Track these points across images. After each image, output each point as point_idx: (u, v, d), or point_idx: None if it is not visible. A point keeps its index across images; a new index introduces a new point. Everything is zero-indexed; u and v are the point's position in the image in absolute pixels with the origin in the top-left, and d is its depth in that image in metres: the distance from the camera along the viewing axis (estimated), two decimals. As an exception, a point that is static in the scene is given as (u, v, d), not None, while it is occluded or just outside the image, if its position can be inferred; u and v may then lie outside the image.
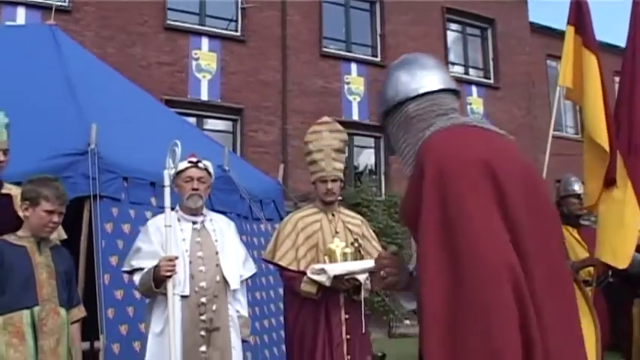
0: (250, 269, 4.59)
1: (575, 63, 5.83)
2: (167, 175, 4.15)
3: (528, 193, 2.15)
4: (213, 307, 4.02)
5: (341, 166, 4.90)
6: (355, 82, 17.57)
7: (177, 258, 3.97)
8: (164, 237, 4.04)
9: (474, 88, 19.60)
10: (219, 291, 4.10)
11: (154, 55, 15.00)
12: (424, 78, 2.45)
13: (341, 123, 16.12)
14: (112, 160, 5.90)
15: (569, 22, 5.91)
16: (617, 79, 20.95)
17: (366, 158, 17.96)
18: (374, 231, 5.04)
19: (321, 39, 17.27)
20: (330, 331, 4.48)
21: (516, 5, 20.81)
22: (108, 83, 7.38)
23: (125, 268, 4.33)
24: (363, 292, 4.62)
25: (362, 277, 4.53)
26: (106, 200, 5.77)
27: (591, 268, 5.84)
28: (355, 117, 17.49)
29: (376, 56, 18.22)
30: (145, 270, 4.08)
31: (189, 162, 4.39)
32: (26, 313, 3.61)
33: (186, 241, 4.16)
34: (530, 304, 1.94)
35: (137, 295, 5.60)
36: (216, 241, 4.28)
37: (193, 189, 4.31)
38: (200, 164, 4.39)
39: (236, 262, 4.30)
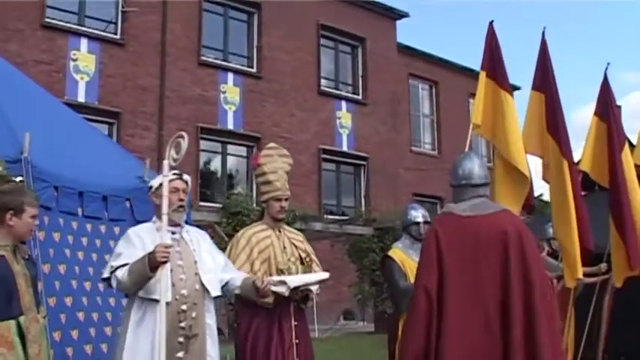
0: (233, 271, 4.63)
1: (485, 103, 6.50)
2: (167, 165, 4.15)
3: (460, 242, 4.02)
4: (193, 315, 4.09)
5: (288, 186, 5.33)
6: (231, 92, 17.82)
7: (171, 246, 4.01)
8: (144, 243, 4.14)
9: (343, 103, 20.33)
10: (198, 299, 4.15)
11: (30, 53, 14.61)
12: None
13: (216, 131, 16.44)
14: (44, 169, 5.92)
15: (482, 68, 6.58)
16: (471, 100, 22.40)
17: (239, 166, 18.22)
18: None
19: (199, 47, 17.43)
20: (282, 336, 4.92)
21: (386, 26, 21.78)
22: (21, 88, 7.29)
23: (105, 274, 4.23)
24: (313, 301, 5.10)
25: (314, 288, 5.04)
26: (40, 209, 5.78)
27: None
28: (230, 126, 17.74)
29: (252, 67, 18.58)
30: (133, 261, 4.04)
31: (175, 174, 4.34)
32: (13, 323, 3.70)
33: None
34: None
35: (68, 302, 5.72)
36: (193, 250, 4.30)
37: (180, 199, 4.30)
38: (184, 177, 4.41)
39: (214, 270, 4.36)
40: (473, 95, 25.68)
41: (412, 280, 6.06)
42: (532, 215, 7.14)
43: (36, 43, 14.74)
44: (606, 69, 7.49)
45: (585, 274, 7.26)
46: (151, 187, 4.38)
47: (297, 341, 5.09)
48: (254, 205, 16.17)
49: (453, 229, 4.07)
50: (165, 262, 3.89)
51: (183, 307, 4.05)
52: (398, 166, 21.68)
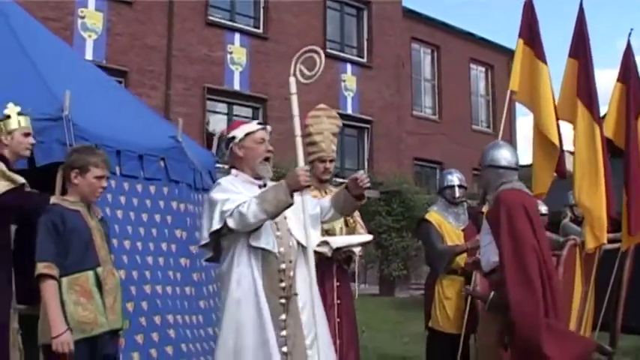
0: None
1: (522, 70, 6.58)
2: (293, 82, 3.95)
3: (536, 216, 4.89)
4: (291, 274, 3.86)
5: (335, 148, 5.36)
6: (238, 52, 17.76)
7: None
8: (241, 192, 3.80)
9: (348, 66, 20.31)
10: (293, 256, 3.91)
11: (37, 10, 14.41)
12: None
13: (222, 92, 16.40)
14: (84, 127, 5.94)
15: (520, 36, 6.66)
16: (472, 65, 22.35)
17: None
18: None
19: (207, 7, 17.31)
20: (325, 296, 4.87)
21: (392, -12, 21.70)
22: (57, 51, 7.29)
23: (215, 226, 3.76)
24: (356, 262, 5.14)
25: (357, 250, 5.08)
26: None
27: None
28: (236, 87, 17.71)
29: (258, 28, 18.50)
30: (261, 192, 3.78)
31: (259, 123, 4.14)
32: (91, 273, 3.79)
33: None
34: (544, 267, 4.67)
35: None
36: None
37: (267, 151, 4.02)
38: (267, 127, 4.15)
39: (306, 225, 3.98)
40: (474, 60, 26.06)
41: (449, 243, 6.16)
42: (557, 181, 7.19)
43: (44, 0, 14.58)
44: (629, 35, 7.52)
45: (608, 240, 7.38)
46: (233, 138, 4.01)
47: (339, 301, 5.16)
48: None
49: (530, 203, 5.00)
50: (308, 187, 3.79)
51: (282, 265, 3.85)
52: (401, 130, 21.72)
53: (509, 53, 26.87)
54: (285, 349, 3.75)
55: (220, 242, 3.92)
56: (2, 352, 4.13)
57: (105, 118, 6.42)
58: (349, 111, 20.00)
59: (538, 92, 6.51)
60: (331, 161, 5.27)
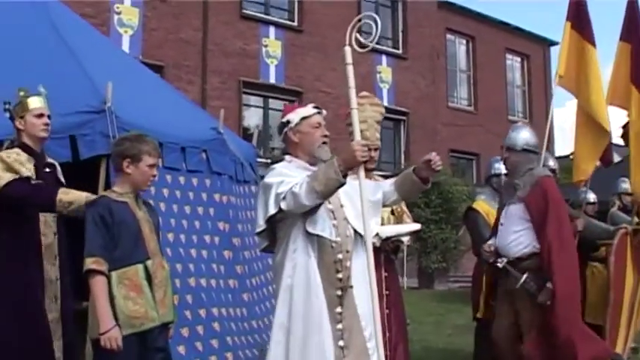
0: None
1: (568, 54, 6.42)
2: (349, 52, 3.69)
3: None
4: (347, 264, 3.68)
5: (379, 136, 5.23)
6: (273, 46, 17.69)
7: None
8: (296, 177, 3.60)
9: (383, 58, 20.16)
10: (350, 246, 3.72)
11: (75, 7, 14.44)
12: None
13: (257, 85, 16.34)
14: (126, 120, 5.90)
15: (567, 19, 6.51)
16: (508, 55, 22.09)
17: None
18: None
19: (241, 0, 17.24)
20: None
21: (426, -21, 21.47)
22: (98, 44, 7.28)
23: (272, 211, 3.58)
24: (404, 252, 5.03)
25: (405, 239, 4.96)
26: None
27: None
28: (272, 80, 17.64)
29: (293, 21, 18.40)
30: (314, 170, 3.60)
31: (315, 107, 3.95)
32: (140, 267, 3.72)
33: None
34: None
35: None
36: (336, 193, 3.71)
37: (324, 135, 3.84)
38: (323, 111, 3.98)
39: (365, 213, 3.79)
40: (509, 50, 25.75)
41: None
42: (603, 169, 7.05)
43: (80, -3, 14.63)
44: None
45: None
46: (288, 123, 3.85)
47: (387, 292, 5.05)
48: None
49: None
50: (365, 163, 3.52)
51: (339, 255, 3.66)
52: (437, 122, 21.52)
53: (545, 43, 26.88)
54: (341, 342, 3.60)
55: (276, 230, 3.75)
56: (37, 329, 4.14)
57: (146, 111, 6.39)
58: (385, 103, 19.76)
59: (586, 76, 6.36)
60: (376, 149, 5.13)
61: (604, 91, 6.43)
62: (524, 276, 5.11)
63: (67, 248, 4.51)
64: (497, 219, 5.46)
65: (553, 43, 27.00)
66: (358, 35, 3.75)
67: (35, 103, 4.28)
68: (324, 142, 3.82)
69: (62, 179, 4.46)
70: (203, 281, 6.11)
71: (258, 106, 17.86)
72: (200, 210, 6.41)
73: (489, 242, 5.35)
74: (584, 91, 6.44)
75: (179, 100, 7.90)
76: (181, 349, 5.47)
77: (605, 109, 6.37)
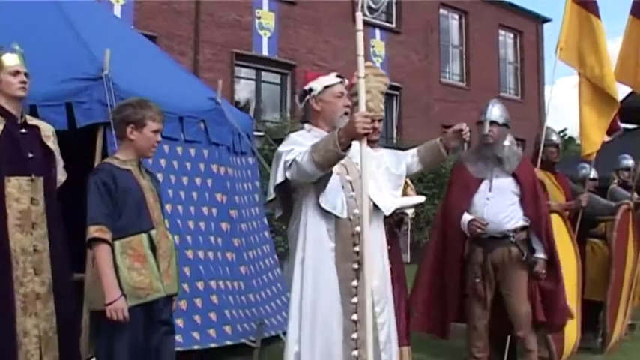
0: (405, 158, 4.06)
1: (569, 28, 6.33)
2: (360, 18, 3.45)
3: None
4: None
5: (383, 107, 5.11)
6: (266, 17, 17.45)
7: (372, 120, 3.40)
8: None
9: (377, 32, 19.95)
10: (369, 219, 3.50)
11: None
12: None
13: (250, 57, 16.08)
14: (124, 88, 5.78)
15: None
16: (501, 31, 21.92)
17: (273, 93, 17.95)
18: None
19: (235, -29, 17.00)
20: None
21: (420, -48, 21.23)
22: (94, 12, 7.12)
23: (279, 179, 3.50)
24: (408, 225, 4.93)
25: (410, 212, 4.87)
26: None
27: None
28: (265, 52, 17.41)
29: (287, -8, 18.15)
30: (316, 141, 3.45)
31: (338, 76, 3.81)
32: (145, 236, 3.61)
33: None
34: None
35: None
36: (356, 164, 3.67)
37: (346, 105, 3.74)
38: (345, 80, 3.87)
39: (389, 183, 3.87)
40: (502, 26, 25.60)
41: None
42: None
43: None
44: None
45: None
46: (310, 91, 3.72)
47: (390, 266, 4.96)
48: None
49: None
50: (366, 135, 3.31)
51: (357, 228, 3.53)
52: (429, 97, 21.40)
53: (538, 19, 26.73)
54: (354, 316, 3.52)
55: (292, 200, 3.67)
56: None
57: (144, 79, 6.27)
58: (378, 77, 19.66)
59: (594, 47, 6.28)
60: (380, 121, 5.00)
61: (609, 61, 6.35)
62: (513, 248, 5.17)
63: (58, 216, 4.28)
64: (472, 190, 5.30)
65: (546, 20, 26.87)
66: (369, 1, 3.65)
67: (10, 60, 3.98)
68: (345, 113, 3.71)
69: (51, 144, 4.20)
70: (201, 253, 6.04)
71: (250, 79, 17.64)
72: (198, 181, 6.33)
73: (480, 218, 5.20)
74: (589, 63, 6.35)
75: (176, 69, 7.78)
76: (179, 322, 5.39)
77: (614, 80, 6.31)
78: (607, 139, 6.66)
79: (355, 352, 3.50)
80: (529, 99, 25.68)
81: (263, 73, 17.74)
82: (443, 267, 5.34)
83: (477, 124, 5.40)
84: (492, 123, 5.24)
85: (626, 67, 6.56)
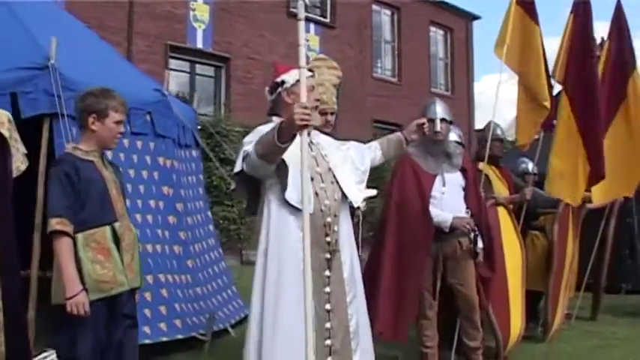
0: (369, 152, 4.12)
1: (512, 29, 6.51)
2: (301, 5, 3.36)
3: None
4: (335, 228, 3.64)
5: (336, 100, 5.13)
6: (201, 10, 17.29)
7: (311, 108, 3.33)
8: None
9: (312, 26, 19.96)
10: (338, 210, 3.67)
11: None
12: None
13: (185, 50, 15.89)
14: (70, 78, 5.66)
15: None
16: (432, 28, 22.22)
17: (207, 86, 17.78)
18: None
19: (169, -39, 16.78)
20: None
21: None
22: (42, 7, 6.93)
23: (236, 169, 3.59)
24: (360, 218, 4.97)
25: (362, 205, 4.91)
26: (67, 119, 5.54)
27: None
28: (199, 45, 17.25)
29: (221, -16, 18.00)
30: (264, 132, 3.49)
31: (309, 70, 3.84)
32: (108, 229, 3.54)
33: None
34: None
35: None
36: (325, 155, 3.78)
37: (316, 100, 3.83)
38: (316, 75, 3.94)
39: (354, 176, 3.90)
40: (434, 23, 25.98)
41: None
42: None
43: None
44: None
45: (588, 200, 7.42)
46: (282, 83, 3.76)
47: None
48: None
49: None
50: (305, 127, 3.25)
51: (328, 219, 3.60)
52: (362, 92, 21.54)
53: (468, 17, 27.19)
54: (327, 306, 3.56)
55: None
56: None
57: (90, 69, 6.15)
58: (313, 71, 19.69)
59: (529, 54, 6.52)
60: (332, 114, 5.03)
61: (543, 68, 6.59)
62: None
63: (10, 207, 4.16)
64: (428, 185, 5.32)
65: (476, 18, 27.38)
66: None
67: None
68: (316, 107, 3.76)
69: (5, 131, 4.04)
70: (149, 247, 5.96)
71: (184, 71, 17.44)
72: (144, 174, 6.24)
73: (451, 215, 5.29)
74: (526, 68, 6.60)
75: (120, 61, 7.67)
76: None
77: (545, 88, 6.56)
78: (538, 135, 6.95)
79: (328, 342, 3.53)
80: (459, 95, 26.12)
81: (197, 65, 17.57)
82: (404, 267, 5.22)
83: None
84: (442, 120, 5.33)
85: (562, 65, 6.77)
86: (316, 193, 3.60)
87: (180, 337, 5.79)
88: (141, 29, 16.04)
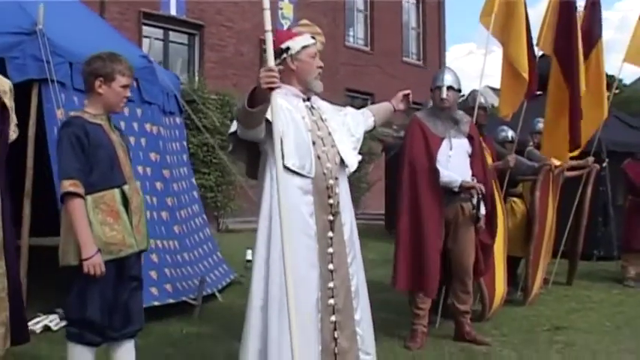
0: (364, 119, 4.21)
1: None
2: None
3: None
4: (336, 190, 3.69)
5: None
6: (174, -24, 17.10)
7: (277, 71, 3.29)
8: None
9: (286, -7, 19.89)
10: (338, 173, 3.74)
11: None
12: None
13: (158, 17, 15.67)
14: (58, 43, 5.65)
15: None
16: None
17: (180, 54, 17.63)
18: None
19: None
20: None
21: None
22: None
23: (230, 130, 3.63)
24: None
25: None
26: (57, 85, 5.54)
27: None
28: (173, 12, 17.06)
29: (194, -49, 17.80)
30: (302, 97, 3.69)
31: (312, 37, 3.88)
32: (117, 191, 3.56)
33: (305, 120, 3.68)
34: None
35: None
36: (325, 120, 3.82)
37: (319, 67, 3.86)
38: (318, 42, 3.94)
39: (349, 142, 3.93)
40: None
41: None
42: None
43: None
44: None
45: (573, 167, 7.60)
46: (287, 49, 3.75)
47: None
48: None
49: None
50: (271, 90, 3.26)
51: (330, 181, 3.66)
52: (336, 61, 21.51)
53: (440, -15, 27.21)
54: (331, 266, 3.62)
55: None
56: None
57: (76, 35, 6.14)
58: (286, 39, 19.59)
59: (510, 22, 6.66)
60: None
61: (524, 39, 6.69)
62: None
63: (6, 174, 4.18)
64: (435, 146, 5.44)
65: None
66: None
67: None
68: (319, 74, 3.82)
69: (7, 100, 4.04)
70: (139, 212, 5.98)
71: (158, 39, 17.26)
72: (132, 140, 6.23)
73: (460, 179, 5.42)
74: (505, 36, 6.70)
75: (106, 28, 7.64)
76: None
77: (524, 58, 6.66)
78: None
79: (331, 301, 3.60)
80: (430, 64, 26.19)
81: (171, 33, 17.42)
82: (420, 225, 5.32)
83: (432, 89, 5.59)
84: (449, 88, 5.43)
85: (548, 37, 6.92)
86: (318, 157, 3.65)
87: (171, 301, 5.86)
88: (113, -4, 15.87)
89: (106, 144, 3.58)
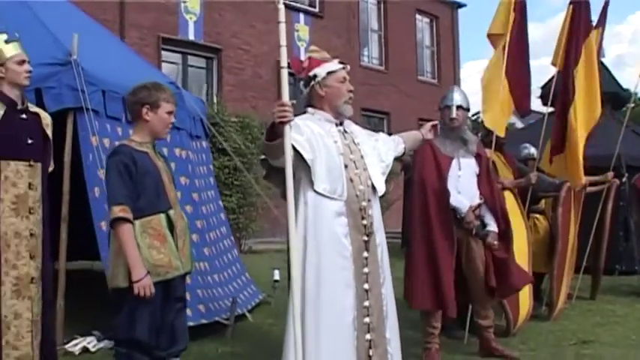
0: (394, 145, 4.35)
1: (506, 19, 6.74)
2: (282, 9, 3.61)
3: None
4: (370, 212, 3.84)
5: None
6: (191, 1, 17.38)
7: (290, 105, 3.51)
8: (312, 129, 3.77)
9: (301, 16, 20.12)
10: (370, 195, 3.88)
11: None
12: None
13: (176, 42, 15.89)
14: (92, 73, 5.83)
15: None
16: (418, 16, 22.34)
17: (199, 78, 17.87)
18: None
19: (159, -48, 16.84)
20: None
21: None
22: (57, 5, 7.06)
23: (262, 156, 3.92)
24: None
25: None
26: (91, 113, 5.71)
27: None
28: (191, 37, 17.36)
29: (211, -24, 18.08)
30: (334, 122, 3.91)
31: (341, 62, 4.05)
32: (163, 216, 3.74)
33: (338, 144, 3.84)
34: None
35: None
36: (358, 144, 3.97)
37: (349, 90, 4.00)
38: (347, 67, 4.11)
39: (379, 167, 4.06)
40: (420, 12, 26.14)
41: None
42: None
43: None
44: None
45: (591, 184, 7.69)
46: (315, 77, 3.94)
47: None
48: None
49: None
50: (284, 123, 3.48)
51: (363, 203, 3.81)
52: (352, 81, 21.63)
53: (453, 5, 27.41)
54: (366, 285, 3.76)
55: None
56: None
57: (108, 64, 6.32)
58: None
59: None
60: None
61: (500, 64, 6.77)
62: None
63: (50, 203, 4.35)
64: (445, 167, 5.51)
65: (460, 6, 27.65)
66: None
67: (16, 49, 4.00)
68: (350, 98, 3.99)
69: (49, 132, 4.25)
70: (171, 236, 6.13)
71: (176, 63, 17.53)
72: (163, 165, 6.41)
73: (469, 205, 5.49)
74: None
75: (133, 56, 7.83)
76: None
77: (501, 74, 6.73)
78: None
79: (367, 319, 3.74)
80: (445, 82, 26.29)
81: (190, 57, 17.68)
82: (432, 244, 5.36)
83: (441, 109, 5.69)
84: (459, 107, 5.54)
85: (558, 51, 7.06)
86: (350, 180, 3.80)
87: (204, 321, 5.98)
88: (133, 21, 16.13)
89: (152, 171, 3.75)
